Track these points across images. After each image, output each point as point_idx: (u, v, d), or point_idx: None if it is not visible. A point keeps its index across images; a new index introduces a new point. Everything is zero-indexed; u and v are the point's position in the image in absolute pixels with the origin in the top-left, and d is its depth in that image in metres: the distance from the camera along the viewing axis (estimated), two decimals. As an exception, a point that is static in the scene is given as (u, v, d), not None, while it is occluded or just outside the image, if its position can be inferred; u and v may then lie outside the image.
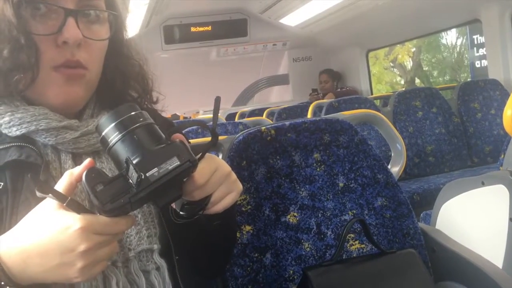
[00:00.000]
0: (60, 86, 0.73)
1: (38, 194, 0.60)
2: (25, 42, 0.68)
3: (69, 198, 0.59)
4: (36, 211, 0.61)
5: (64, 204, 0.59)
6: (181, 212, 0.70)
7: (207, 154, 0.69)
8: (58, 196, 0.59)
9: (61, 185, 0.61)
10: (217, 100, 0.70)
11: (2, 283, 0.59)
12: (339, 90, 5.72)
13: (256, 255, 1.09)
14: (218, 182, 0.69)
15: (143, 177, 0.58)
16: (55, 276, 0.60)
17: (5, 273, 0.59)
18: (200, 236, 0.81)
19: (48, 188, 0.60)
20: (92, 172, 0.59)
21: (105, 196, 0.58)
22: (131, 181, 0.58)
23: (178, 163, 0.60)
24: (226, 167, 0.72)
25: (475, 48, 7.42)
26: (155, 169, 0.59)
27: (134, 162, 0.58)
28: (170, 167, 0.59)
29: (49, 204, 0.60)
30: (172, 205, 0.71)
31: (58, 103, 0.74)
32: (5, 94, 0.72)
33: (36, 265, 0.59)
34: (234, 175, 0.73)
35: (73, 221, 0.58)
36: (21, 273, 0.60)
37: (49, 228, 0.59)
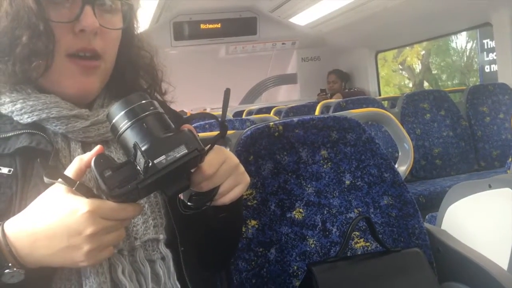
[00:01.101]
0: (75, 76, 0.73)
1: (46, 180, 0.61)
2: (43, 29, 0.69)
3: (78, 182, 0.60)
4: (45, 195, 0.62)
5: (73, 188, 0.59)
6: (189, 203, 0.71)
7: (216, 146, 0.69)
8: (67, 180, 0.60)
9: (70, 170, 0.62)
10: (227, 92, 0.70)
11: (10, 264, 0.60)
12: (347, 90, 5.71)
13: (261, 249, 1.09)
14: (227, 173, 0.70)
15: (150, 164, 0.58)
16: (61, 259, 0.60)
17: (13, 255, 0.60)
18: (206, 228, 0.81)
19: (57, 173, 0.60)
20: (101, 158, 0.60)
21: (113, 181, 0.58)
22: (138, 168, 0.59)
23: (186, 151, 0.60)
24: (235, 159, 0.72)
25: (485, 53, 7.37)
26: (163, 157, 0.59)
27: (142, 149, 0.59)
28: (178, 155, 0.60)
29: (58, 189, 0.61)
30: (180, 196, 0.72)
31: (73, 93, 0.75)
32: (21, 80, 0.73)
33: (43, 247, 0.60)
34: (242, 167, 0.74)
35: (81, 205, 0.59)
36: (28, 255, 0.60)
37: (57, 212, 0.59)
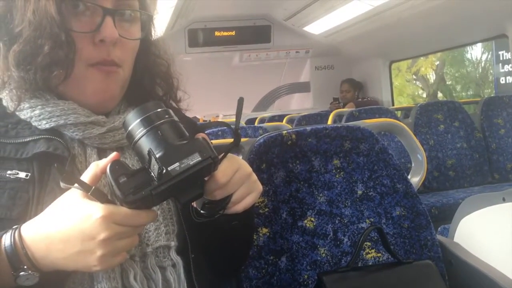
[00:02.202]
0: (98, 82, 0.75)
1: (62, 185, 0.62)
2: (65, 39, 0.70)
3: (93, 187, 0.60)
4: (61, 200, 0.63)
5: (89, 194, 0.60)
6: (201, 211, 0.71)
7: (229, 154, 0.70)
8: (83, 185, 0.61)
9: (86, 176, 0.63)
10: (240, 101, 0.71)
11: (25, 267, 0.61)
12: (360, 100, 5.68)
13: (272, 257, 1.09)
14: (240, 182, 0.70)
15: (164, 171, 0.59)
16: (75, 263, 0.61)
17: (28, 258, 0.61)
18: (217, 235, 0.81)
19: (73, 178, 0.61)
20: (116, 164, 0.61)
21: (127, 187, 0.59)
22: (152, 174, 0.60)
23: (200, 159, 0.61)
24: (248, 168, 0.73)
25: (500, 64, 7.31)
26: (177, 164, 0.60)
27: (156, 156, 0.60)
28: (192, 163, 0.60)
29: (74, 194, 0.62)
30: (193, 204, 0.72)
31: (95, 100, 0.76)
32: (42, 88, 0.74)
33: (58, 251, 0.61)
34: (255, 176, 0.74)
35: (96, 210, 0.59)
36: (43, 258, 0.61)
37: (72, 216, 0.60)
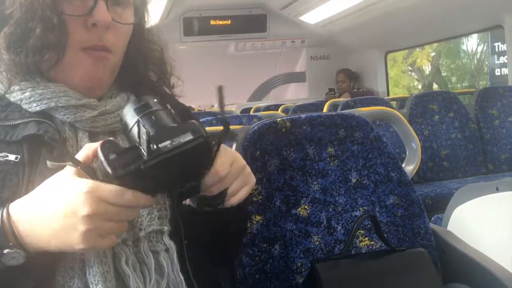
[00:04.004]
0: (87, 68, 0.74)
1: (49, 164, 0.62)
2: (57, 22, 0.69)
3: (83, 162, 0.61)
4: (51, 179, 0.62)
5: (78, 168, 0.60)
6: (198, 208, 0.71)
7: (223, 146, 0.69)
8: (73, 160, 0.60)
9: (78, 157, 0.62)
10: (220, 89, 0.69)
11: (11, 244, 0.60)
12: (355, 90, 5.68)
13: (265, 245, 1.09)
14: (236, 174, 0.70)
15: (155, 147, 0.59)
16: (58, 240, 0.60)
17: (14, 236, 0.60)
18: (210, 229, 0.81)
19: (64, 156, 0.61)
20: (107, 143, 0.61)
21: (117, 163, 0.59)
22: (143, 152, 0.59)
23: (192, 137, 0.60)
24: (242, 160, 0.73)
25: (495, 56, 7.32)
26: (168, 141, 0.59)
27: (148, 134, 0.60)
28: (183, 140, 0.60)
29: (63, 172, 0.61)
30: (188, 201, 0.71)
31: (84, 84, 0.75)
32: (33, 71, 0.73)
33: (42, 227, 0.60)
34: (248, 168, 0.74)
35: (82, 185, 0.59)
36: (28, 236, 0.61)
37: (59, 192, 0.60)
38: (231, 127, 1.53)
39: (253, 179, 0.74)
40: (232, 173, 0.69)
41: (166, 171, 0.60)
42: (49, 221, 0.60)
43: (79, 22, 0.71)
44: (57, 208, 0.59)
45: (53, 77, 0.74)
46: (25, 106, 0.73)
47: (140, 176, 0.59)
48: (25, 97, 0.72)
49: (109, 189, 0.59)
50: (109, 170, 0.58)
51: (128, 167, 0.58)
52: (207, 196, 0.69)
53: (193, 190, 0.66)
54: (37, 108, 0.72)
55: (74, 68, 0.74)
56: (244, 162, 0.73)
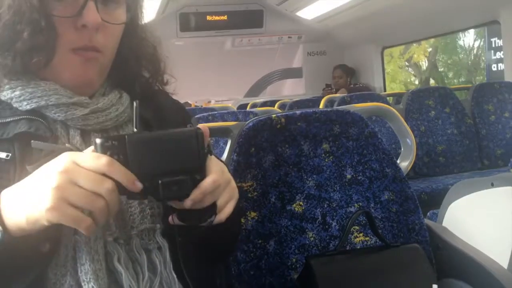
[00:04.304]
0: (76, 68, 0.73)
1: (28, 168, 0.63)
2: (45, 25, 0.68)
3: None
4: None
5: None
6: (185, 222, 0.68)
7: (213, 157, 0.67)
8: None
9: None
10: (136, 106, 0.65)
11: None
12: (352, 86, 5.68)
13: (260, 241, 1.09)
14: (224, 185, 0.68)
15: (144, 131, 0.62)
16: (31, 207, 0.59)
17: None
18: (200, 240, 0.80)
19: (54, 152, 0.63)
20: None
21: (104, 139, 0.60)
22: (134, 128, 0.63)
23: (181, 128, 0.63)
24: (228, 173, 0.71)
25: (492, 51, 7.32)
26: (159, 130, 0.63)
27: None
28: (175, 130, 0.62)
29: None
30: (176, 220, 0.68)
31: (73, 84, 0.74)
32: (21, 73, 0.72)
33: (19, 197, 0.60)
34: (234, 182, 0.72)
35: (62, 155, 0.60)
36: (10, 214, 0.60)
37: (41, 168, 0.61)
38: (227, 123, 1.53)
39: (237, 194, 0.72)
40: (223, 184, 0.67)
41: (152, 154, 0.60)
42: (26, 189, 0.60)
43: (69, 23, 0.70)
44: (36, 176, 0.60)
45: (42, 77, 0.74)
46: (15, 105, 0.72)
47: (123, 153, 0.59)
48: (15, 96, 0.72)
49: (86, 153, 0.60)
50: (97, 140, 0.60)
51: (113, 139, 0.59)
52: (196, 212, 0.66)
53: (181, 189, 0.62)
54: (28, 107, 0.72)
55: (63, 69, 0.73)
56: (230, 175, 0.71)
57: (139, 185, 0.60)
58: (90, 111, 0.74)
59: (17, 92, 0.72)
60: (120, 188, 0.60)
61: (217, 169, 0.65)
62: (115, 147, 0.59)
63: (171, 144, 0.61)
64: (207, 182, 0.63)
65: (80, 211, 0.58)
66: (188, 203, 0.63)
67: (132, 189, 0.60)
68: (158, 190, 0.61)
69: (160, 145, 0.60)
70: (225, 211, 0.69)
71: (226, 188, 0.69)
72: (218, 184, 0.65)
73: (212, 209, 0.66)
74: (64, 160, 0.59)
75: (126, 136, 0.59)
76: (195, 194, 0.62)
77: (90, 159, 0.59)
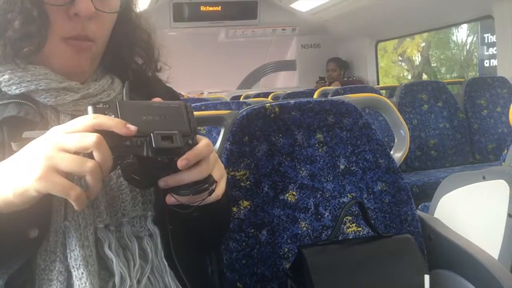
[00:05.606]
0: (68, 57, 0.72)
1: (13, 145, 0.63)
2: (37, 14, 0.67)
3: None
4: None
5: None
6: (184, 192, 0.67)
7: (198, 136, 0.67)
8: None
9: None
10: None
11: None
12: (346, 79, 5.69)
13: (252, 230, 1.09)
14: (214, 160, 0.68)
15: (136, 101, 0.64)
16: (15, 181, 0.58)
17: None
18: (192, 225, 0.79)
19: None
20: None
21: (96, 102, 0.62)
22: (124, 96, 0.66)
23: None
24: (216, 154, 0.72)
25: (485, 47, 7.36)
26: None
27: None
28: (162, 101, 0.65)
29: None
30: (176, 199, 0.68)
31: (63, 72, 0.73)
32: (11, 59, 0.71)
33: (5, 176, 0.59)
34: (221, 162, 0.73)
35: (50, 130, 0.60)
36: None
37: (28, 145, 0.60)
38: (221, 112, 1.52)
39: (225, 173, 0.73)
40: (213, 156, 0.68)
41: (143, 116, 0.61)
42: (13, 163, 0.60)
43: (61, 11, 0.69)
44: (22, 151, 0.60)
45: (33, 60, 0.73)
46: (4, 89, 0.71)
47: (115, 115, 0.60)
48: (4, 79, 0.71)
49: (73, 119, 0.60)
50: (89, 107, 0.60)
51: (104, 103, 0.60)
52: (195, 187, 0.66)
53: (173, 142, 0.61)
54: (17, 91, 0.70)
55: (54, 57, 0.72)
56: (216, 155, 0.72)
57: (132, 127, 0.59)
58: (81, 96, 0.73)
59: (6, 76, 0.71)
60: (112, 143, 0.58)
61: (203, 142, 0.65)
62: (106, 109, 0.59)
63: (162, 110, 0.61)
64: (202, 143, 0.64)
65: (71, 180, 0.58)
66: (183, 162, 0.62)
67: (126, 133, 0.58)
68: (151, 142, 0.60)
69: (151, 110, 0.61)
70: (220, 186, 0.69)
71: (216, 165, 0.69)
72: (211, 149, 0.65)
73: (210, 179, 0.67)
74: (51, 131, 0.59)
75: (117, 101, 0.60)
76: (189, 153, 0.62)
77: (76, 120, 0.59)
